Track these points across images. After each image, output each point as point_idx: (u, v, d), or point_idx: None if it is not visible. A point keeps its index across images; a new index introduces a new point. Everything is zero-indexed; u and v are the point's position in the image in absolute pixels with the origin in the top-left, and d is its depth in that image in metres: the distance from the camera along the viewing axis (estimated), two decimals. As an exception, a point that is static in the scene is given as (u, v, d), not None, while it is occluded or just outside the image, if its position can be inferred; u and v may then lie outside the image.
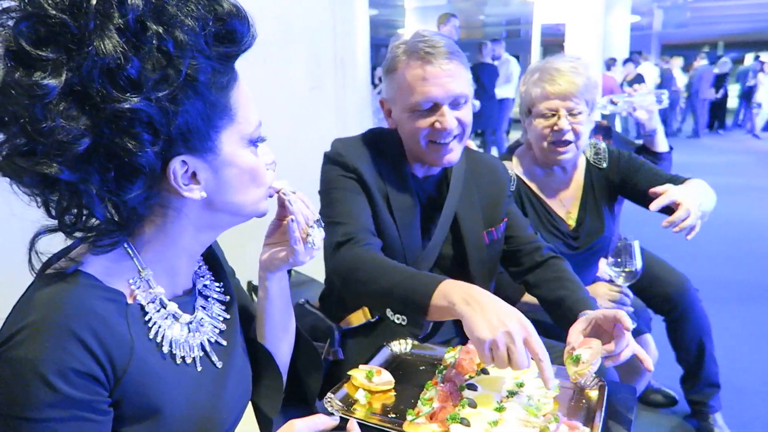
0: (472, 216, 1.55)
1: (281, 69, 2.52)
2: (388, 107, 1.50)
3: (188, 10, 0.72)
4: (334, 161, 1.47)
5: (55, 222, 0.76)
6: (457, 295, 1.12)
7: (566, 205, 1.98)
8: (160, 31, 0.70)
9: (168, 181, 0.77)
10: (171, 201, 0.81)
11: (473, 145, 2.89)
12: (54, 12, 0.67)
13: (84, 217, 0.74)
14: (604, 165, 1.96)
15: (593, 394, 1.18)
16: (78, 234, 0.77)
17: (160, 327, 0.84)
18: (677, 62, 13.79)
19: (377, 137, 1.54)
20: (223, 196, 0.84)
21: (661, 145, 2.23)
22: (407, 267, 1.29)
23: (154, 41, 0.69)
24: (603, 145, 1.99)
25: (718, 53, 20.29)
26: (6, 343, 0.71)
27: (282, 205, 1.00)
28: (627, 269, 1.63)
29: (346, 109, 2.96)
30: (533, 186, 1.96)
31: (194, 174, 0.79)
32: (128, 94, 0.68)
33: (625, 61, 11.88)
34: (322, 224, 1.01)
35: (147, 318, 0.83)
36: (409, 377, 1.28)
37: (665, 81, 12.78)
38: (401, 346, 1.40)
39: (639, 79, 11.56)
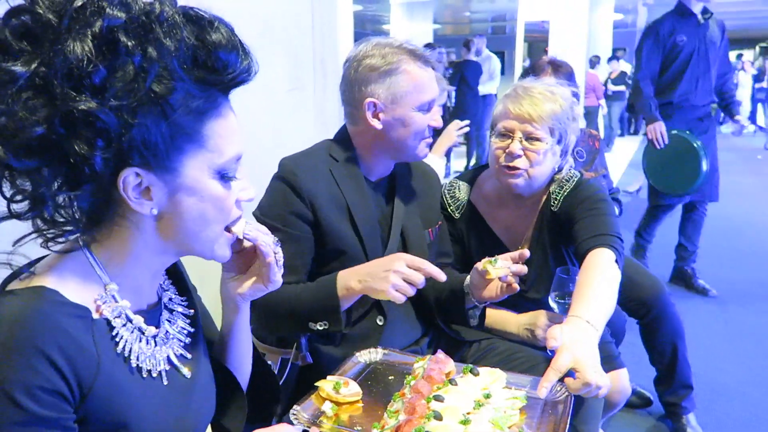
0: (412, 218, 1.61)
1: (260, 70, 2.49)
2: (380, 108, 1.48)
3: (173, 32, 0.75)
4: (287, 181, 1.45)
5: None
6: (352, 281, 1.35)
7: (519, 245, 1.75)
8: (129, 45, 0.72)
9: (119, 189, 0.77)
10: (127, 213, 0.81)
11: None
12: (41, 11, 0.71)
13: (37, 210, 0.76)
14: (557, 206, 1.68)
15: (560, 405, 1.19)
16: (37, 228, 0.78)
17: (126, 341, 0.83)
18: (660, 60, 13.87)
19: (328, 148, 1.56)
20: (179, 220, 0.83)
21: None
22: (304, 285, 1.44)
23: (124, 52, 0.72)
24: (575, 181, 1.70)
25: (701, 51, 20.46)
26: None
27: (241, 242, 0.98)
28: (570, 303, 1.40)
29: (326, 109, 2.94)
30: (486, 218, 1.78)
31: (148, 189, 0.79)
32: (86, 97, 0.70)
33: (610, 59, 11.95)
34: (279, 242, 1.01)
35: (114, 333, 0.82)
36: (378, 388, 1.28)
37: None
38: (371, 355, 1.40)
39: (623, 77, 11.66)
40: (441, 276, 1.30)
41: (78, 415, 0.76)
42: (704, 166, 3.46)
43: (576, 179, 1.70)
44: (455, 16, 17.53)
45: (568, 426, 1.10)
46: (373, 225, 1.52)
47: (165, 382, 0.88)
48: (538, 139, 1.60)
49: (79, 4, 0.71)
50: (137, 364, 0.84)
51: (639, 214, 3.98)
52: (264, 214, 1.46)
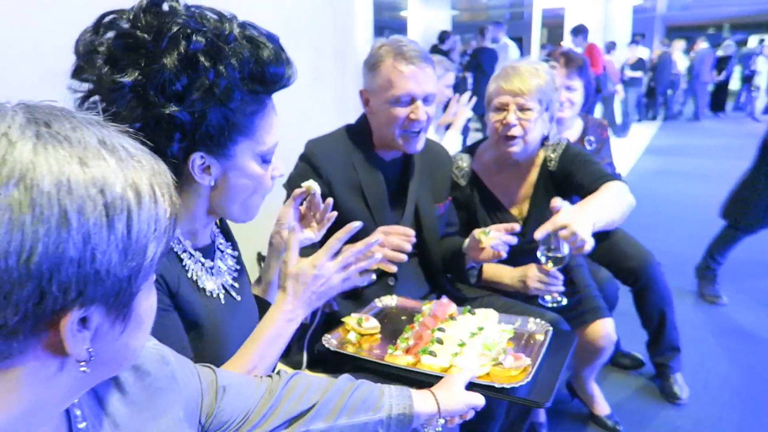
0: (425, 193, 1.85)
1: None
2: (367, 97, 1.76)
3: (237, 52, 0.99)
4: (308, 160, 1.73)
5: None
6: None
7: (517, 204, 2.04)
8: (207, 64, 0.97)
9: (188, 167, 1.04)
10: (191, 183, 1.08)
11: (473, 125, 3.20)
12: (141, 34, 0.95)
13: None
14: (554, 166, 1.97)
15: (540, 336, 1.45)
16: None
17: (192, 270, 1.12)
18: (679, 45, 13.78)
19: (348, 131, 1.82)
20: (227, 191, 1.10)
21: None
22: None
23: (202, 69, 0.96)
24: (564, 144, 2.00)
25: (723, 35, 20.21)
26: None
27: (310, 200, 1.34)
28: (556, 255, 1.69)
29: (346, 98, 3.16)
30: (487, 183, 2.05)
31: (208, 167, 1.06)
32: (172, 104, 0.96)
33: (629, 45, 11.92)
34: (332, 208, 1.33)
35: (183, 263, 1.11)
36: (393, 324, 1.56)
37: (664, 64, 12.85)
38: (386, 301, 1.68)
39: (640, 63, 11.69)
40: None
41: None
42: None
43: (565, 143, 1.99)
44: (473, 2, 17.52)
45: (544, 351, 1.36)
46: (382, 200, 1.76)
47: (222, 302, 1.17)
48: (529, 109, 1.88)
49: (174, 31, 0.96)
50: (202, 286, 1.13)
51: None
52: (289, 187, 1.74)
